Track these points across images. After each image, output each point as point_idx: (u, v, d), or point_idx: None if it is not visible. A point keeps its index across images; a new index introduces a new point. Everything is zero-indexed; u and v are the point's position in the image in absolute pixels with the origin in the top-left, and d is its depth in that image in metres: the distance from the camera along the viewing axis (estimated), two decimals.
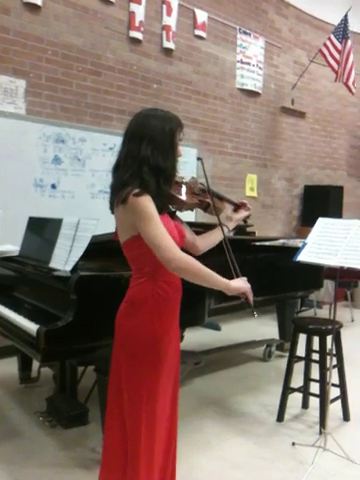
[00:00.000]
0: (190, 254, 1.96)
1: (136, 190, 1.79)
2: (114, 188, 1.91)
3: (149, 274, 1.92)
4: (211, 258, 2.27)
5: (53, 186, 4.72)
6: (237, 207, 2.38)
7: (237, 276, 2.04)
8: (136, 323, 1.91)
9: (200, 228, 2.49)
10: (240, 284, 1.98)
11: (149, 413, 1.91)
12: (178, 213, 2.13)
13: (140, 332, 1.90)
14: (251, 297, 2.01)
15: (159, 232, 1.78)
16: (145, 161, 1.84)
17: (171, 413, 2.09)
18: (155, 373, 1.92)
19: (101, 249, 2.96)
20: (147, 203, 1.79)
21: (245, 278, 2.03)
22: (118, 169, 1.92)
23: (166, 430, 2.04)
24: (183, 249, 1.99)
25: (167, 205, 1.96)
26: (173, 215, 2.05)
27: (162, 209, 1.88)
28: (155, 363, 1.92)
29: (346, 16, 6.94)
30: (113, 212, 1.94)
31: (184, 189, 2.07)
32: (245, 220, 2.42)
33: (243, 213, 2.37)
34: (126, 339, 1.93)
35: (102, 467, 2.06)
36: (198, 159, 2.25)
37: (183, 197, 2.04)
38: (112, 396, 2.01)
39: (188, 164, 5.87)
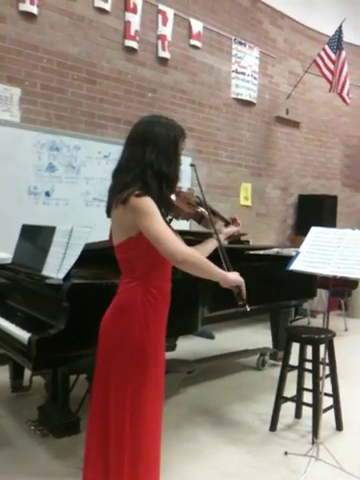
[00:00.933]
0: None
1: (137, 191, 1.80)
2: (114, 190, 1.92)
3: (140, 278, 1.92)
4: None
5: (47, 194, 4.72)
6: (228, 223, 2.43)
7: (229, 271, 2.09)
8: (123, 329, 1.90)
9: (192, 236, 2.49)
10: (236, 277, 2.04)
11: (135, 418, 1.90)
12: (173, 223, 2.13)
13: (127, 338, 1.89)
14: (244, 290, 2.07)
15: (162, 227, 1.80)
16: (149, 165, 1.86)
17: (157, 422, 2.07)
18: (140, 381, 1.91)
19: (94, 257, 2.96)
20: (149, 202, 1.81)
21: (237, 273, 2.08)
22: (119, 173, 1.93)
23: (154, 436, 2.02)
24: None
25: (167, 210, 1.98)
26: (169, 222, 2.06)
27: (163, 214, 1.89)
28: (142, 369, 1.91)
29: (340, 27, 7.00)
30: (109, 215, 1.95)
31: (181, 198, 2.11)
32: (236, 236, 2.46)
33: (233, 228, 2.41)
34: (113, 346, 1.92)
35: (84, 472, 2.04)
36: (191, 165, 2.28)
37: (181, 205, 2.07)
38: (96, 403, 2.00)
39: (184, 172, 5.89)
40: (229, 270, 2.10)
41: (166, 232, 1.81)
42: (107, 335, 1.95)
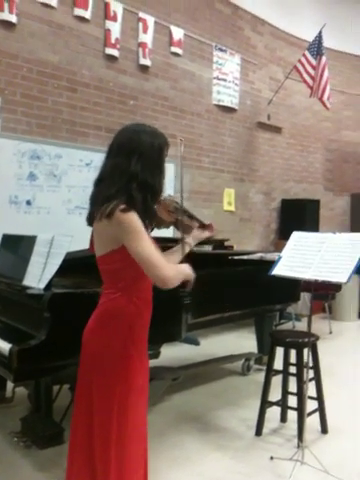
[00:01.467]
0: None
1: (122, 205, 1.77)
2: (97, 201, 1.88)
3: (123, 290, 1.91)
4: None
5: (28, 202, 4.69)
6: (203, 227, 2.35)
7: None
8: (107, 338, 1.89)
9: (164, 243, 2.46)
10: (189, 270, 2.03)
11: (120, 429, 1.89)
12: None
13: (112, 347, 1.88)
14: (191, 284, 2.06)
15: (152, 250, 1.79)
16: (134, 177, 1.83)
17: (142, 431, 2.06)
18: (124, 390, 1.90)
19: (76, 266, 2.94)
20: (135, 220, 1.78)
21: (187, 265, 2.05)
22: (102, 182, 1.90)
23: (137, 447, 2.00)
24: None
25: (151, 222, 1.96)
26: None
27: (146, 226, 1.87)
28: (126, 379, 1.90)
29: (320, 33, 7.09)
30: (90, 224, 1.93)
31: (162, 207, 2.08)
32: (208, 239, 2.41)
33: (206, 234, 2.33)
34: (97, 354, 1.91)
35: None
36: (180, 140, 2.26)
37: (163, 215, 2.06)
38: (80, 413, 1.97)
39: (165, 180, 5.91)
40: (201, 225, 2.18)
41: (155, 255, 1.79)
42: (90, 344, 1.93)
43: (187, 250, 2.19)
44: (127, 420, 1.91)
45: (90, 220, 1.93)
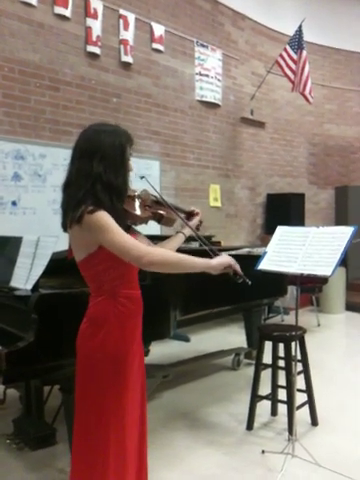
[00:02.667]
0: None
1: (90, 207, 1.76)
2: (67, 207, 1.86)
3: (108, 292, 1.90)
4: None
5: (14, 203, 4.66)
6: (189, 215, 2.36)
7: (215, 255, 2.02)
8: (99, 342, 1.88)
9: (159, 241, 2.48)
10: (222, 259, 1.97)
11: (117, 432, 1.89)
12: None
13: (104, 351, 1.87)
14: (238, 267, 2.01)
15: (124, 237, 1.78)
16: (98, 178, 1.82)
17: (141, 430, 2.07)
18: (121, 391, 1.90)
19: (63, 266, 2.93)
20: (103, 216, 1.77)
21: (224, 254, 2.01)
22: (69, 187, 1.88)
23: (136, 447, 2.01)
24: None
25: (121, 221, 1.91)
26: (128, 229, 2.00)
27: (122, 227, 1.85)
28: (120, 381, 1.90)
29: (300, 27, 7.11)
30: (65, 230, 1.91)
31: (137, 203, 2.06)
32: (198, 227, 2.40)
33: (196, 219, 2.34)
34: (89, 359, 1.90)
35: None
36: (141, 178, 2.15)
37: (136, 211, 2.03)
38: (80, 418, 1.95)
39: (151, 177, 5.90)
40: (215, 254, 2.03)
41: (128, 241, 1.78)
42: (83, 349, 1.92)
43: (182, 240, 2.21)
44: (124, 422, 1.91)
45: (64, 225, 1.91)
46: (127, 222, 1.99)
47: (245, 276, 2.03)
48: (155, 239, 2.47)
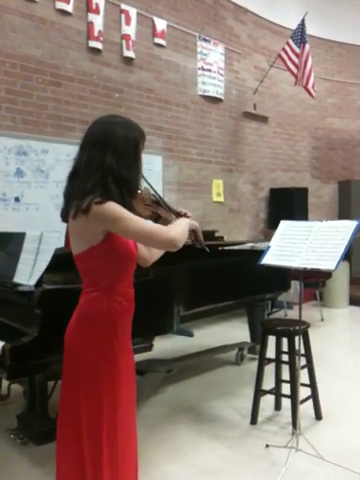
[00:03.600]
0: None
1: (98, 198, 1.71)
2: (72, 197, 1.80)
3: (105, 288, 1.84)
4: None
5: (17, 199, 4.66)
6: (179, 216, 2.25)
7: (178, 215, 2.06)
8: (91, 339, 1.83)
9: None
10: (189, 221, 2.00)
11: (110, 430, 1.84)
12: None
13: (96, 348, 1.83)
14: (200, 233, 2.06)
15: (144, 223, 1.77)
16: (109, 170, 1.77)
17: (133, 426, 2.02)
18: (114, 388, 1.86)
19: (66, 261, 2.93)
20: (113, 205, 1.72)
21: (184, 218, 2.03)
22: (76, 177, 1.82)
23: (132, 445, 1.98)
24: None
25: None
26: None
27: None
28: (114, 379, 1.85)
29: (303, 20, 7.07)
30: (64, 220, 1.86)
31: (139, 200, 2.01)
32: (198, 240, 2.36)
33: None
34: (81, 356, 1.84)
35: None
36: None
37: (139, 209, 1.98)
38: (66, 416, 1.90)
39: (153, 172, 5.91)
40: (178, 214, 2.08)
41: (149, 225, 1.78)
42: (74, 346, 1.86)
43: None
44: (116, 420, 1.87)
45: (64, 215, 1.86)
46: None
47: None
48: None
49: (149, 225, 1.78)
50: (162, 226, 1.83)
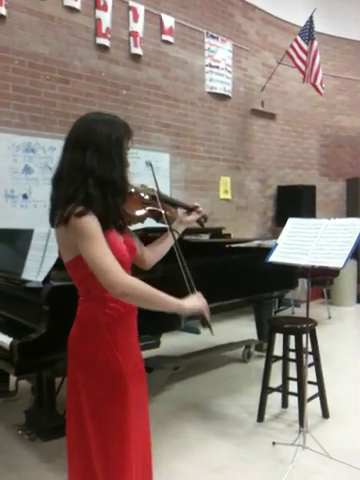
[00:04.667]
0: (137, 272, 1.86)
1: (78, 208, 1.62)
2: (57, 203, 1.72)
3: (96, 297, 1.76)
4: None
5: (25, 196, 4.68)
6: (190, 210, 2.19)
7: (192, 291, 1.86)
8: (91, 348, 1.77)
9: (153, 233, 2.40)
10: (194, 302, 1.80)
11: (119, 441, 1.76)
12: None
13: (97, 357, 1.76)
14: (208, 315, 1.84)
15: (101, 254, 1.61)
16: (90, 172, 1.67)
17: (146, 430, 1.95)
18: (121, 394, 1.77)
19: None
20: (89, 223, 1.62)
21: (200, 294, 1.86)
22: (60, 182, 1.73)
23: (141, 452, 1.90)
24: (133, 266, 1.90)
25: (117, 221, 1.77)
26: (122, 229, 1.82)
27: (110, 225, 1.72)
28: (121, 395, 1.76)
29: (311, 17, 7.04)
30: (53, 226, 1.77)
31: (133, 200, 1.89)
32: (201, 223, 2.25)
33: (194, 216, 2.17)
34: (84, 365, 1.78)
35: None
36: (147, 164, 2.00)
37: (131, 210, 1.86)
38: (72, 421, 1.84)
39: (161, 169, 5.91)
40: (190, 282, 1.87)
41: (104, 260, 1.62)
42: (76, 356, 1.81)
43: (176, 237, 2.03)
44: (128, 429, 1.79)
45: (52, 222, 1.76)
46: (121, 221, 1.80)
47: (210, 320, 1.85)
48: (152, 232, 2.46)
49: (108, 260, 1.62)
50: (120, 271, 1.64)
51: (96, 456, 1.76)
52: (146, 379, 1.98)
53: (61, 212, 1.65)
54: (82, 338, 1.79)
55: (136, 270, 1.96)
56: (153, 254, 2.06)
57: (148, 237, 2.19)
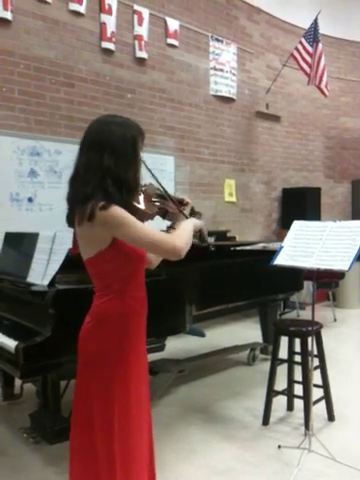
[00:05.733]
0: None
1: (101, 203, 1.69)
2: (74, 201, 1.80)
3: (117, 291, 1.84)
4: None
5: (30, 199, 4.70)
6: (180, 205, 2.17)
7: (187, 217, 2.03)
8: (103, 342, 1.83)
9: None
10: (196, 220, 1.99)
11: (122, 432, 1.84)
12: None
13: (108, 351, 1.83)
14: (205, 230, 2.04)
15: (149, 230, 1.73)
16: (108, 172, 1.74)
17: (148, 429, 2.03)
18: (125, 391, 1.85)
19: (78, 261, 2.95)
20: (117, 210, 1.70)
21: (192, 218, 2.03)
22: (76, 181, 1.80)
23: (143, 445, 1.97)
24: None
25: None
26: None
27: None
28: (124, 380, 1.85)
29: (316, 19, 7.04)
30: (70, 225, 1.85)
31: (142, 198, 1.95)
32: (201, 239, 2.19)
33: (188, 208, 2.18)
34: (94, 359, 1.85)
35: None
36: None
37: (144, 207, 1.92)
38: (79, 418, 1.90)
39: (166, 172, 5.92)
40: (186, 216, 2.03)
41: (153, 233, 1.73)
42: (86, 349, 1.87)
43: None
44: (128, 420, 1.87)
45: (69, 220, 1.84)
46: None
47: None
48: None
49: (153, 233, 1.74)
50: (167, 234, 1.81)
51: (101, 435, 1.83)
52: (149, 381, 2.05)
53: (81, 210, 1.72)
54: (95, 332, 1.86)
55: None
56: (156, 255, 2.11)
57: None
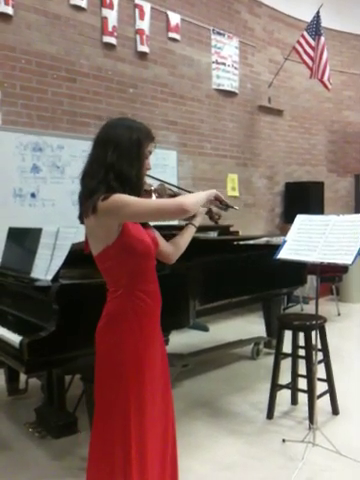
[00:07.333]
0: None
1: (102, 196, 1.76)
2: (82, 197, 1.87)
3: (126, 286, 1.87)
4: None
5: (33, 195, 4.70)
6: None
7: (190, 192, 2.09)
8: (117, 338, 1.86)
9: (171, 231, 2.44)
10: (208, 191, 2.05)
11: (137, 427, 1.86)
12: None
13: (122, 348, 1.85)
14: (221, 195, 2.12)
15: (149, 201, 1.80)
16: (110, 167, 1.81)
17: (165, 423, 2.05)
18: (140, 386, 1.87)
19: (82, 256, 2.95)
20: (118, 196, 1.75)
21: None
22: (85, 178, 1.88)
23: (160, 439, 1.99)
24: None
25: None
26: (145, 224, 1.98)
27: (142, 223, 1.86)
28: (138, 376, 1.87)
29: (318, 13, 7.00)
30: (82, 222, 1.90)
31: (154, 197, 2.02)
32: (216, 220, 2.34)
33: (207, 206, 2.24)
34: (108, 356, 1.88)
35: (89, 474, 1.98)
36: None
37: None
38: (100, 414, 1.93)
39: (168, 167, 5.91)
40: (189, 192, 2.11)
41: (156, 201, 1.83)
42: (102, 345, 1.91)
43: (193, 230, 2.20)
44: (144, 417, 1.88)
45: (81, 217, 1.89)
46: None
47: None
48: (168, 229, 2.47)
49: (154, 201, 1.83)
50: (168, 199, 1.88)
51: (117, 428, 1.86)
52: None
53: (87, 205, 1.79)
54: (108, 329, 1.89)
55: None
56: (175, 248, 2.16)
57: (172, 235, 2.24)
